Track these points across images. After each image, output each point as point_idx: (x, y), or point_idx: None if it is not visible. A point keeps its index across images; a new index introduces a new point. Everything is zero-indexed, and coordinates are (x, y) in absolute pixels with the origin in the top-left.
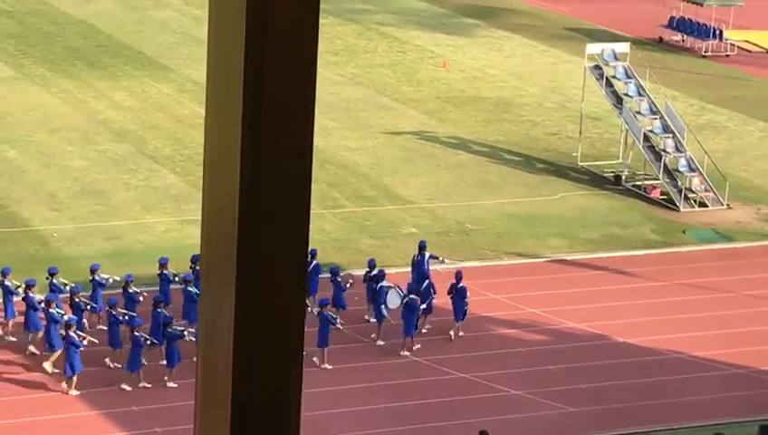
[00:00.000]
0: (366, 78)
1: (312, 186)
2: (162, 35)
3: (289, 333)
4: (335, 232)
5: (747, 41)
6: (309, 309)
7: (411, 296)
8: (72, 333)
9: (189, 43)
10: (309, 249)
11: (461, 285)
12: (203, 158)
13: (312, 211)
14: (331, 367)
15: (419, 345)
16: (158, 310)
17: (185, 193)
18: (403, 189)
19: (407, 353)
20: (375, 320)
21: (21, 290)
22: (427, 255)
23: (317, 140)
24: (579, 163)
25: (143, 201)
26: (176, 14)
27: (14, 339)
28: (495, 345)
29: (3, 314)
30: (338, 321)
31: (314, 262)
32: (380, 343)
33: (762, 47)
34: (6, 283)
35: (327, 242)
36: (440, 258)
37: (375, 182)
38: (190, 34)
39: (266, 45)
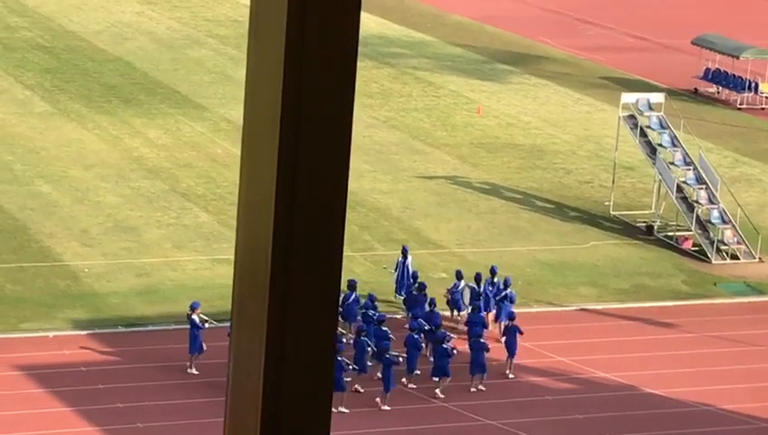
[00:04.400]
0: (400, 122)
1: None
2: (198, 74)
3: (319, 376)
4: (365, 275)
5: None
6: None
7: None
8: None
9: (224, 82)
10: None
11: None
12: (237, 198)
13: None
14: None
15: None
16: (362, 338)
17: (216, 232)
18: (434, 234)
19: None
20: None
21: (207, 325)
22: (410, 258)
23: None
24: (611, 212)
25: (175, 239)
26: (212, 54)
27: (196, 372)
28: (523, 393)
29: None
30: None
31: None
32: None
33: None
34: (194, 317)
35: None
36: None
37: (406, 226)
38: (226, 74)
39: (304, 87)
